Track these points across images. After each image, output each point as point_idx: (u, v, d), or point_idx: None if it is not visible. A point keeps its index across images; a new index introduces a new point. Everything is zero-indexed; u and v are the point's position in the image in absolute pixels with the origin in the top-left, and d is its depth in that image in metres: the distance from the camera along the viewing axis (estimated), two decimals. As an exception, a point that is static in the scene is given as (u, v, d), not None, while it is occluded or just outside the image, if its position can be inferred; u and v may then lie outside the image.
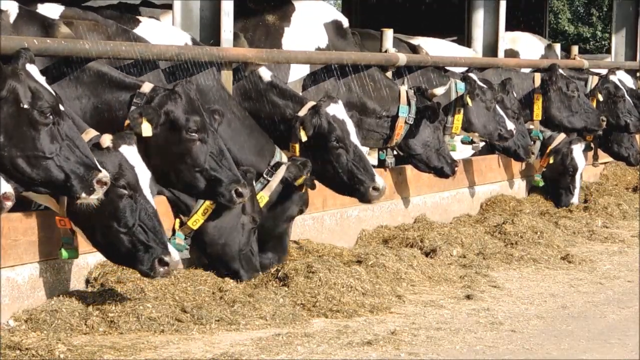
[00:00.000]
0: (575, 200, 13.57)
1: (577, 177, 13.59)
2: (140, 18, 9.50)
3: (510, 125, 11.90)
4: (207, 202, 8.21)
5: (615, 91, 14.53)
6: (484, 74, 13.08)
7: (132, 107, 7.72)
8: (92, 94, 7.86)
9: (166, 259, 7.03)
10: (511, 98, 12.68)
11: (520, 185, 13.82)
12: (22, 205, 7.04)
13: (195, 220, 8.23)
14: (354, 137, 9.17)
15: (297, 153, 9.09)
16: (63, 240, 7.18)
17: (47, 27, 7.94)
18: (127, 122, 7.55)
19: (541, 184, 13.66)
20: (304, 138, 9.00)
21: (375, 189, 9.06)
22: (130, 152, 7.15)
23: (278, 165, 8.71)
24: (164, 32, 9.24)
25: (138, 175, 7.12)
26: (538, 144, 13.50)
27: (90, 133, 7.10)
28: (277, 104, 9.29)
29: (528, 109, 13.39)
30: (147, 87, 7.87)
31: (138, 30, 9.05)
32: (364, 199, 9.17)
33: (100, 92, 7.86)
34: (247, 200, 8.21)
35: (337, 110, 9.17)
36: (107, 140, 7.05)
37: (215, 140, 7.86)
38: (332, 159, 9.11)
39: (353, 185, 9.11)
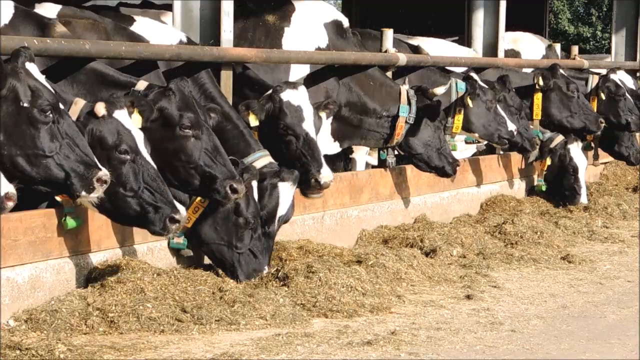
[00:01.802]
0: (583, 199, 13.51)
1: (580, 176, 13.54)
2: (135, 17, 9.51)
3: (511, 126, 11.89)
4: (197, 200, 8.20)
5: (616, 90, 14.53)
6: (484, 74, 13.08)
7: None
8: (88, 92, 7.87)
9: (177, 217, 7.17)
10: (512, 94, 12.69)
11: (520, 185, 13.81)
12: (23, 204, 7.04)
13: (188, 218, 8.22)
14: (307, 125, 9.00)
15: (257, 139, 9.06)
16: (66, 211, 7.27)
17: (43, 26, 7.94)
18: None
19: (544, 188, 13.63)
20: (253, 123, 8.92)
21: (317, 181, 8.92)
22: (124, 116, 7.25)
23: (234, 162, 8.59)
24: (158, 31, 9.24)
25: (135, 137, 7.18)
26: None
27: (80, 103, 7.16)
28: (247, 96, 9.26)
29: (528, 108, 13.39)
30: (142, 85, 7.91)
31: (133, 29, 9.05)
32: (308, 189, 9.03)
33: (96, 90, 7.88)
34: (242, 201, 8.19)
35: (292, 96, 9.02)
36: (101, 108, 7.14)
37: (209, 136, 7.88)
38: (282, 145, 9.01)
39: (300, 173, 8.93)
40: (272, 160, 8.72)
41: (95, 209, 7.18)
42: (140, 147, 7.23)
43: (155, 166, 7.28)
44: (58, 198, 7.28)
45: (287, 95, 9.02)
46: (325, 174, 8.92)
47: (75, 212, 7.32)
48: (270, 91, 9.07)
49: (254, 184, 8.38)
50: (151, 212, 7.15)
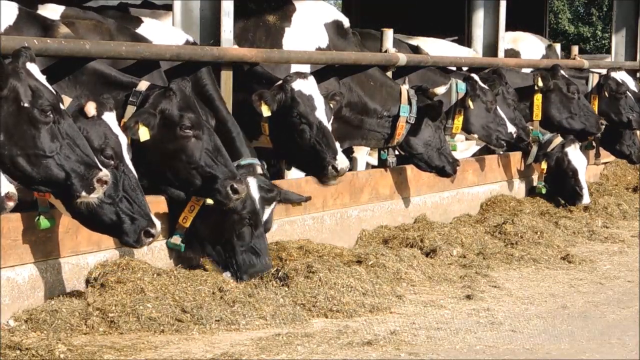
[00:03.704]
0: (585, 200, 13.48)
1: (580, 177, 13.49)
2: (142, 18, 9.52)
3: (511, 128, 11.89)
4: (193, 199, 8.19)
5: (617, 88, 14.53)
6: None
7: (128, 106, 7.77)
8: (91, 92, 7.87)
9: (152, 231, 7.09)
10: (508, 86, 12.70)
11: (520, 186, 13.82)
12: (23, 205, 7.04)
13: (185, 218, 8.22)
14: (319, 114, 9.04)
15: (267, 132, 9.08)
16: (40, 210, 7.17)
17: (46, 27, 7.95)
18: (122, 121, 7.59)
19: (544, 191, 13.62)
20: (265, 113, 8.94)
21: (334, 167, 8.93)
22: (112, 119, 7.21)
23: None
24: (165, 33, 9.26)
25: (121, 144, 7.16)
26: (535, 148, 13.49)
27: (66, 100, 7.12)
28: (255, 90, 9.27)
29: (528, 109, 13.39)
30: (143, 85, 7.91)
31: (139, 30, 9.07)
32: (323, 177, 9.03)
33: (98, 91, 7.87)
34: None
35: (304, 85, 9.06)
36: (92, 109, 7.10)
37: (210, 136, 7.88)
38: (295, 135, 9.03)
39: (314, 161, 8.99)
40: (260, 171, 8.68)
41: (68, 214, 7.08)
42: (125, 154, 7.20)
43: (136, 176, 7.23)
44: (35, 194, 7.23)
45: (298, 85, 9.06)
46: (342, 160, 8.95)
47: (49, 212, 7.23)
48: (280, 82, 9.09)
49: (253, 180, 8.37)
50: (127, 223, 7.06)
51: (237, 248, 8.30)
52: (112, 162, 7.10)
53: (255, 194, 8.40)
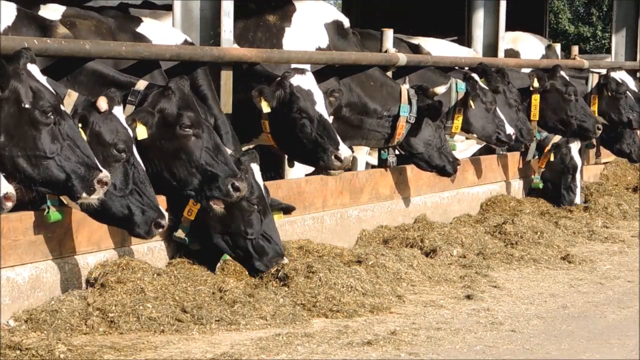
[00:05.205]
0: (578, 199, 13.52)
1: (577, 176, 13.56)
2: (142, 18, 9.53)
3: (510, 129, 11.88)
4: (190, 202, 8.17)
5: (617, 87, 14.53)
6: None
7: (127, 105, 7.78)
8: (89, 92, 7.88)
9: (162, 222, 7.19)
10: (511, 86, 12.70)
11: (520, 186, 13.82)
12: (22, 205, 7.04)
13: (190, 210, 8.20)
14: (319, 107, 9.07)
15: (268, 129, 9.09)
16: (49, 204, 7.17)
17: (45, 28, 7.95)
18: None
19: (541, 185, 13.64)
20: (265, 109, 8.97)
21: (338, 157, 8.95)
22: (120, 113, 7.27)
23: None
24: (164, 33, 9.27)
25: (131, 137, 7.22)
26: (533, 145, 13.50)
27: (73, 95, 7.15)
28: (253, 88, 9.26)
29: (526, 109, 13.38)
30: (141, 85, 7.92)
31: (139, 30, 9.08)
32: (327, 167, 9.02)
33: (97, 91, 7.88)
34: None
35: (302, 80, 9.11)
36: (104, 104, 7.14)
37: (210, 135, 7.89)
38: (296, 129, 9.05)
39: (317, 153, 9.01)
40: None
41: (77, 207, 7.10)
42: (134, 148, 7.25)
43: (144, 169, 7.28)
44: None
45: (296, 80, 9.09)
46: (344, 149, 8.97)
47: (58, 206, 7.20)
48: (279, 78, 9.10)
49: (255, 167, 8.35)
50: (137, 215, 7.15)
51: (247, 237, 8.25)
52: (124, 156, 7.14)
53: (260, 180, 8.38)
